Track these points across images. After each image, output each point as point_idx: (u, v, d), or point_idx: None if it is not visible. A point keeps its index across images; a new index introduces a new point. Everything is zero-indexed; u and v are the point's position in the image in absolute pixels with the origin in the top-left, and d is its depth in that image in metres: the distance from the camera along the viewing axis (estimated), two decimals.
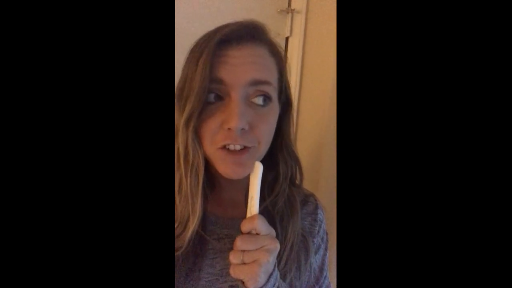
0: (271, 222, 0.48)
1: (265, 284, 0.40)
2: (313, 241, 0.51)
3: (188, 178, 0.43)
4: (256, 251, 0.39)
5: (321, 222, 0.54)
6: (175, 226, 0.44)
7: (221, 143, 0.42)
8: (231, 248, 0.47)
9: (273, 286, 0.41)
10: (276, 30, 0.83)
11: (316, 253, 0.52)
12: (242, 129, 0.41)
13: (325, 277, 0.53)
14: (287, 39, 0.94)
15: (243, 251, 0.39)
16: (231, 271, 0.40)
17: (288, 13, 0.91)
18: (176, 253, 0.43)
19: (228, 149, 0.42)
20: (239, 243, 0.39)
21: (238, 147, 0.42)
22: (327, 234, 0.55)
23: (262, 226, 0.41)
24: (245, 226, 0.40)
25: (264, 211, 0.49)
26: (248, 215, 0.42)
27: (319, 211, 0.54)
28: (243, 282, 0.40)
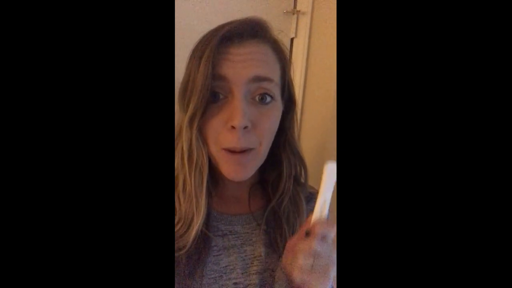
0: (278, 221, 0.48)
1: None
2: None
3: (192, 178, 0.43)
4: (328, 258, 0.37)
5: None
6: (179, 225, 0.44)
7: (225, 145, 0.42)
8: (235, 245, 0.47)
9: None
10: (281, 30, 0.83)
11: None
12: (245, 127, 0.41)
13: None
14: (292, 40, 0.95)
15: (315, 256, 0.36)
16: (296, 277, 0.36)
17: (293, 14, 0.92)
18: (180, 252, 0.43)
19: (230, 150, 0.42)
20: (318, 246, 0.36)
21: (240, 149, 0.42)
22: None
23: (333, 234, 0.37)
24: (321, 228, 0.37)
25: (271, 210, 0.49)
26: (317, 215, 0.39)
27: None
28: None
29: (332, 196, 0.39)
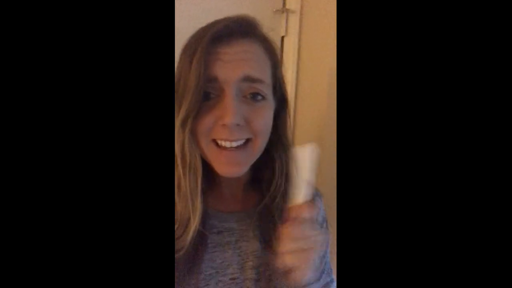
0: (271, 217, 0.49)
1: (317, 281, 0.39)
2: None
3: (187, 179, 0.43)
4: (312, 238, 0.39)
5: (319, 209, 0.54)
6: (176, 226, 0.44)
7: (214, 137, 0.42)
8: (230, 241, 0.48)
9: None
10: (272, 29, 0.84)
11: None
12: (238, 125, 0.41)
13: (326, 262, 0.53)
14: (282, 38, 0.95)
15: (298, 238, 0.38)
16: (285, 259, 0.38)
17: (283, 12, 0.92)
18: (179, 253, 0.43)
19: (222, 146, 0.43)
20: (301, 229, 0.38)
21: (234, 144, 0.43)
22: (327, 221, 0.56)
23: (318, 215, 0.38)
24: (304, 212, 0.39)
25: (264, 206, 0.50)
26: (299, 199, 0.40)
27: (317, 198, 0.54)
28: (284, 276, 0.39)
29: (327, 193, 0.40)
